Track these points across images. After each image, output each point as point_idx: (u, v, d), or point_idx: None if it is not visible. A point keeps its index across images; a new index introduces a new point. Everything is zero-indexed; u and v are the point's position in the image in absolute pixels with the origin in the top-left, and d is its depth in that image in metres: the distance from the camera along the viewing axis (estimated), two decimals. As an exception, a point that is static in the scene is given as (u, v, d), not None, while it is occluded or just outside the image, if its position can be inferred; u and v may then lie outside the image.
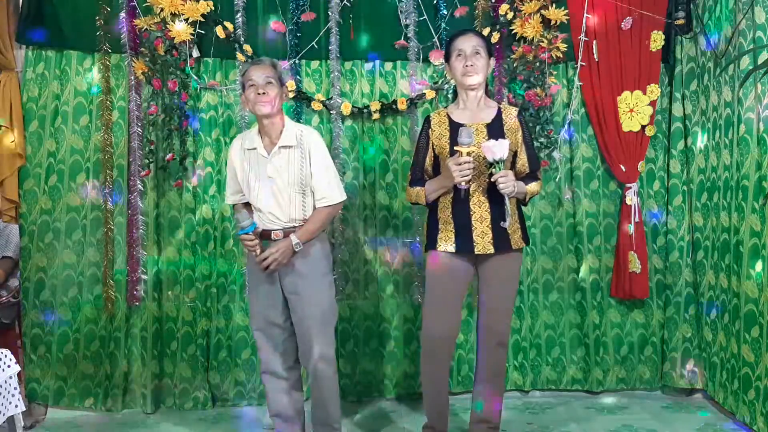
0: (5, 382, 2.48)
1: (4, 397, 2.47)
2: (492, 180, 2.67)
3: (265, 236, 2.78)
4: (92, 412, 3.56)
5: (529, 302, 3.69)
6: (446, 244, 2.80)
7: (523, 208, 2.95)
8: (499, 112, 2.86)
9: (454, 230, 2.79)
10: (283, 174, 2.75)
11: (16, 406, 2.53)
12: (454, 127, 2.79)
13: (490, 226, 2.77)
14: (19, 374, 2.57)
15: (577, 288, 3.69)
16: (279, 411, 2.90)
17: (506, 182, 2.65)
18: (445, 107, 3.05)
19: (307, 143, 2.78)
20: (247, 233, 2.75)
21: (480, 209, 2.78)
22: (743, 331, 3.12)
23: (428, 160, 2.89)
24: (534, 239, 3.67)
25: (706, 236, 3.52)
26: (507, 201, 2.69)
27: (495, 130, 2.80)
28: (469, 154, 2.63)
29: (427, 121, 2.91)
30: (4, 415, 2.45)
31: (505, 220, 2.71)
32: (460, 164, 2.63)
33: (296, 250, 2.73)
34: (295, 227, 2.76)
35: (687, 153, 3.64)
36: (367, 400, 3.67)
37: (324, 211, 2.79)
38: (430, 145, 2.87)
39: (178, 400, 3.59)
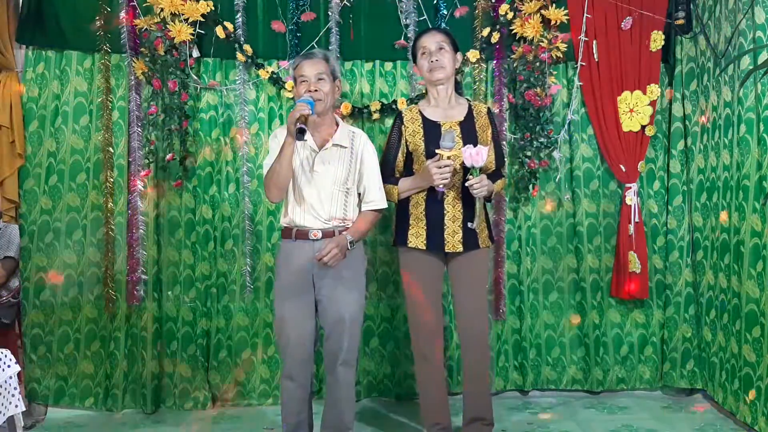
0: (5, 382, 2.47)
1: (4, 397, 2.46)
2: (467, 185, 2.72)
3: (302, 235, 2.73)
4: (92, 412, 3.56)
5: (529, 302, 3.68)
6: (417, 240, 2.83)
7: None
8: (470, 110, 2.89)
9: (425, 227, 2.82)
10: (330, 171, 2.72)
11: (16, 406, 2.52)
12: (428, 125, 2.83)
13: (461, 225, 2.81)
14: (19, 374, 2.56)
15: (577, 288, 3.69)
16: (292, 419, 2.79)
17: (480, 188, 2.71)
18: (416, 104, 3.06)
19: (359, 145, 2.78)
20: (307, 104, 2.52)
21: (453, 209, 2.82)
22: (744, 331, 3.12)
23: (400, 156, 2.89)
24: (534, 239, 3.67)
25: (706, 236, 3.52)
26: (477, 203, 2.77)
27: (468, 127, 2.83)
28: (449, 158, 2.66)
29: (399, 117, 2.92)
30: (4, 415, 2.45)
31: (473, 221, 2.78)
32: (440, 167, 2.66)
33: (350, 249, 2.69)
34: (333, 227, 2.72)
35: (687, 153, 3.64)
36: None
37: (372, 214, 2.80)
38: (403, 141, 2.87)
39: (178, 400, 3.59)
